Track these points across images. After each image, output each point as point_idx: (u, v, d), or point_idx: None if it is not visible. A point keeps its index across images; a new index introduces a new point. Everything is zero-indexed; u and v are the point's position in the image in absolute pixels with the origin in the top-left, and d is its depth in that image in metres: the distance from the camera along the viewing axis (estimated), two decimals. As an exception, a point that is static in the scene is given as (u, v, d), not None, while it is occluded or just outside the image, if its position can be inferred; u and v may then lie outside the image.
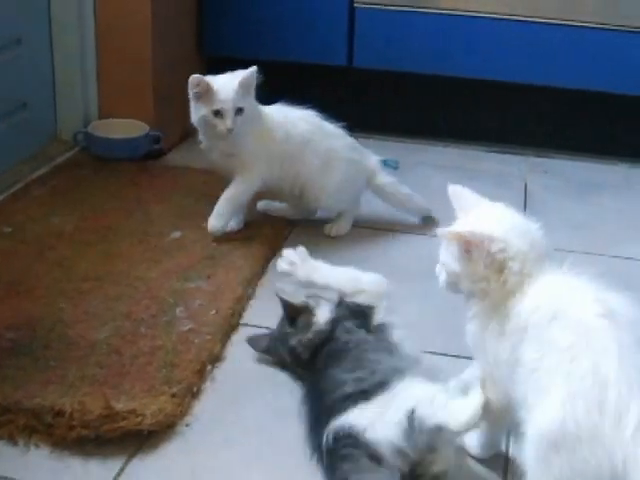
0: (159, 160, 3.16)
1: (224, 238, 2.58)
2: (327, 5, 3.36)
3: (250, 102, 2.53)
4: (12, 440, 1.75)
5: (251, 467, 1.73)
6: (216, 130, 2.49)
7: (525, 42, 3.26)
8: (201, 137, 2.59)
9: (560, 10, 3.20)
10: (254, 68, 2.51)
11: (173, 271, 2.39)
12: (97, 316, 2.15)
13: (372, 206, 2.83)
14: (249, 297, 2.33)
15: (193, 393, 1.91)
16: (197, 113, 2.50)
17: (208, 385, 1.96)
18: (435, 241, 1.73)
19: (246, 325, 2.20)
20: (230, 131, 2.47)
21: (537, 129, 3.48)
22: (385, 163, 3.17)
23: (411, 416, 1.57)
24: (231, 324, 2.18)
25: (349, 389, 1.71)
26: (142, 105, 3.16)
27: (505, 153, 3.43)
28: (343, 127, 2.72)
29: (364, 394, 1.68)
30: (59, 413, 1.75)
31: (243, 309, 2.25)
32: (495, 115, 3.48)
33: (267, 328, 2.09)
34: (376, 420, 1.62)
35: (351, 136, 2.75)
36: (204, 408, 1.89)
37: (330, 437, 1.64)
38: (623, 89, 3.26)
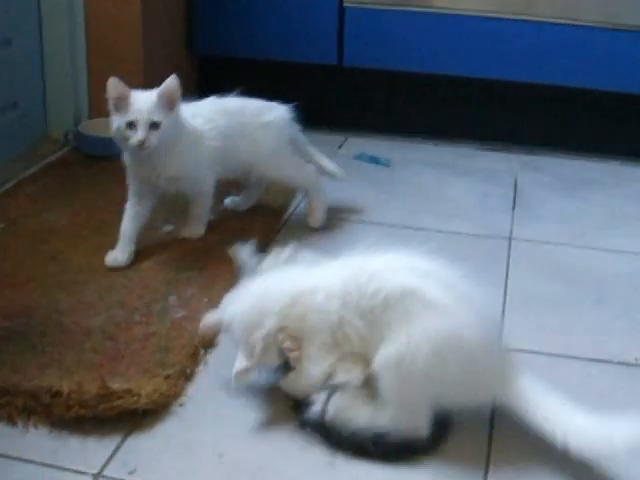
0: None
1: (216, 231, 2.61)
2: (317, 4, 3.38)
3: (171, 118, 2.33)
4: (11, 421, 1.77)
5: (242, 443, 1.76)
6: (128, 144, 2.29)
7: (516, 41, 3.28)
8: (125, 158, 2.43)
9: (552, 9, 3.22)
10: (174, 78, 2.31)
11: (166, 263, 2.42)
12: (92, 305, 2.17)
13: (364, 201, 2.88)
14: (241, 288, 2.34)
15: (187, 375, 1.93)
16: (113, 126, 2.31)
17: (201, 369, 1.99)
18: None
19: (239, 314, 2.20)
20: (141, 143, 2.26)
21: (528, 127, 3.49)
22: (377, 161, 3.21)
23: None
24: (224, 313, 2.20)
25: None
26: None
27: (496, 151, 3.45)
28: (241, 93, 2.58)
29: None
30: (57, 394, 1.77)
31: (236, 298, 2.26)
32: (486, 113, 3.50)
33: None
34: None
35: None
36: (198, 390, 1.91)
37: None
38: (615, 87, 3.27)
